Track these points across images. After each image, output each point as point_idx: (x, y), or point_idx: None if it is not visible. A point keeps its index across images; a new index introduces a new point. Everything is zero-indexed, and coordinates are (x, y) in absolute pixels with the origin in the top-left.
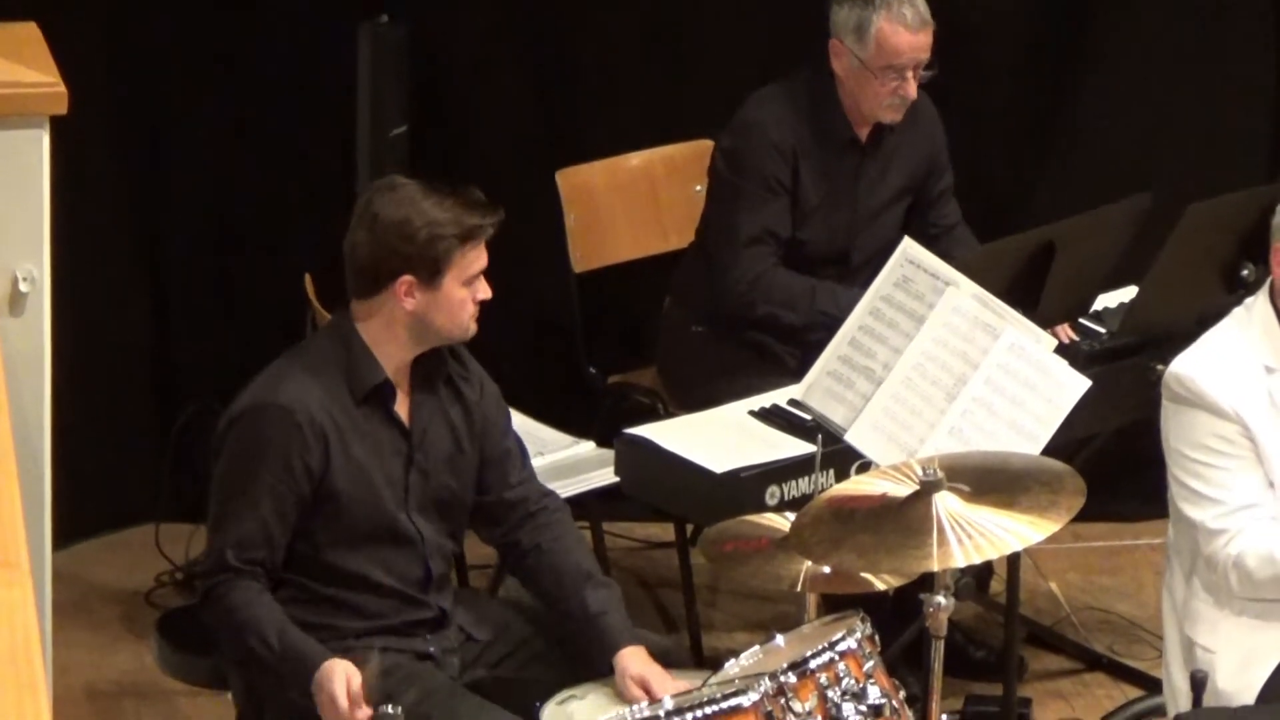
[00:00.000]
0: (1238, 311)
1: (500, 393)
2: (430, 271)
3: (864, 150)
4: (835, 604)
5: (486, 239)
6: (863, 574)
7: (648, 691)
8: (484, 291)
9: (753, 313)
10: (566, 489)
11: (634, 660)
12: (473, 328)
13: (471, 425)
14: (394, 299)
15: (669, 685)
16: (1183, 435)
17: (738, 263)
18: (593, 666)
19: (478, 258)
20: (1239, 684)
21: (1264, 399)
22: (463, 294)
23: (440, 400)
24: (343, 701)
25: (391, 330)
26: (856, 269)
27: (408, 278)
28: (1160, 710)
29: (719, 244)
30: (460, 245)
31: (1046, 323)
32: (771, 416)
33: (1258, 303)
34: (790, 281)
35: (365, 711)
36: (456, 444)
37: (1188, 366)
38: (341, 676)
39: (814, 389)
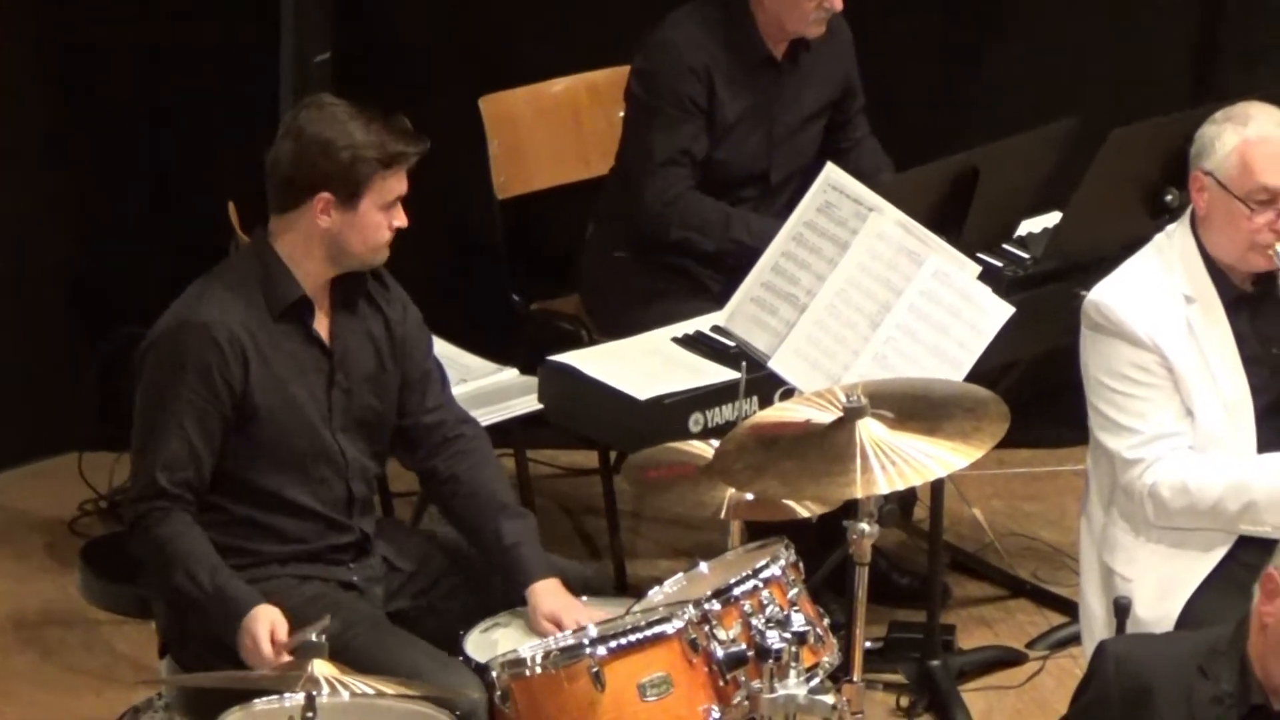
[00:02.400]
0: (1158, 239)
1: (422, 317)
2: (348, 192)
3: (780, 68)
4: (759, 531)
5: (408, 168)
6: (786, 501)
7: (558, 625)
8: (400, 219)
9: (667, 235)
10: (490, 416)
11: (545, 596)
12: (385, 253)
13: (393, 343)
14: (310, 215)
15: (582, 618)
16: (1101, 364)
17: (653, 184)
18: (509, 597)
19: (397, 184)
20: (1157, 613)
21: (1182, 328)
22: (378, 218)
23: (362, 318)
24: (266, 648)
25: (307, 247)
26: (776, 188)
27: (325, 195)
28: (1081, 636)
29: (635, 166)
30: (381, 170)
31: (970, 248)
32: (695, 343)
33: (1178, 231)
34: (705, 206)
35: (287, 656)
36: (379, 362)
37: (1106, 295)
38: (267, 623)
39: (738, 315)
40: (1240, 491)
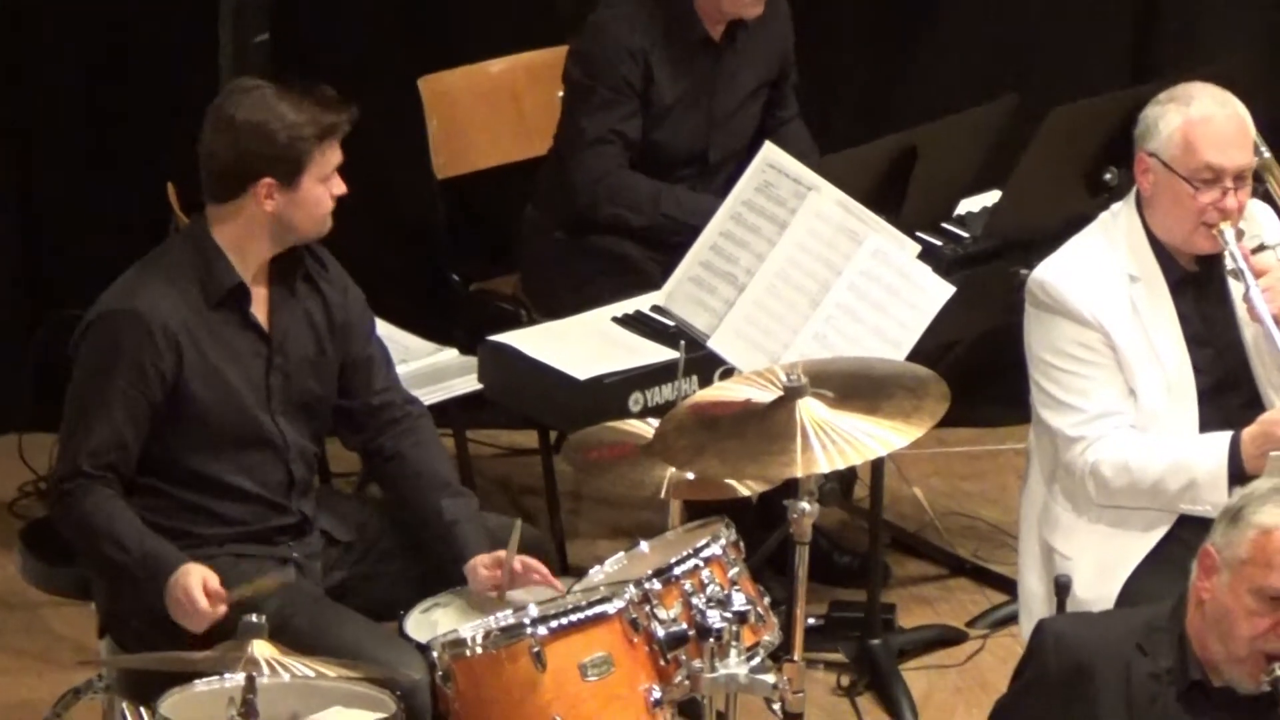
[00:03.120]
0: (1103, 218)
1: (365, 298)
2: (289, 172)
3: (718, 49)
4: (699, 510)
5: (342, 136)
6: (727, 480)
7: (498, 586)
8: (339, 187)
9: (597, 213)
10: (430, 396)
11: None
12: (329, 223)
13: (332, 325)
14: (254, 201)
15: (518, 564)
16: (1044, 342)
17: (583, 162)
18: (447, 572)
19: (334, 155)
20: (1095, 593)
21: (1127, 307)
22: (320, 191)
23: (300, 300)
24: (200, 599)
25: (251, 232)
26: (715, 168)
27: (268, 180)
28: None
29: (568, 145)
30: (318, 144)
31: (910, 227)
32: (634, 323)
33: (1123, 211)
34: (636, 183)
35: (223, 607)
36: (318, 345)
37: (1051, 273)
38: (198, 576)
39: (677, 295)
40: (1181, 471)
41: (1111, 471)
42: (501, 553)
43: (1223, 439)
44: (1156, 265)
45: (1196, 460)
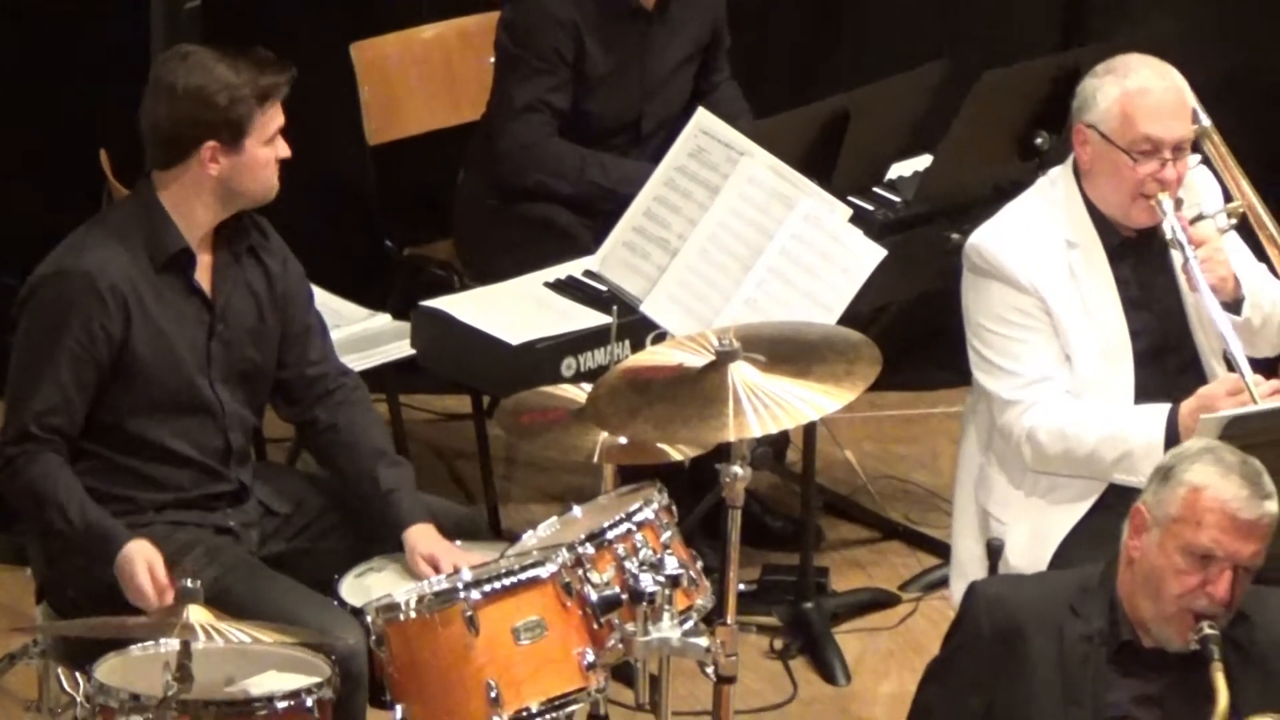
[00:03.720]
0: (1041, 184)
1: (304, 270)
2: (232, 135)
3: (650, 19)
4: (632, 475)
5: (282, 97)
6: (659, 444)
7: (436, 568)
8: (283, 150)
9: (523, 180)
10: (363, 362)
11: (422, 538)
12: (275, 186)
13: (274, 296)
14: (198, 166)
15: (458, 559)
16: (981, 306)
17: (511, 130)
18: (385, 542)
19: (275, 116)
20: (1028, 559)
21: (1064, 273)
22: (265, 153)
23: (243, 270)
24: (149, 590)
25: (198, 196)
26: (647, 137)
27: (211, 144)
28: None
29: (496, 113)
30: (260, 105)
31: (841, 191)
32: (567, 288)
33: (1061, 177)
34: (562, 151)
35: (170, 595)
36: (259, 315)
37: (988, 238)
38: (144, 563)
39: (609, 260)
40: (1118, 441)
41: (1048, 437)
42: (439, 548)
43: (1160, 411)
44: (1094, 232)
45: (1133, 431)
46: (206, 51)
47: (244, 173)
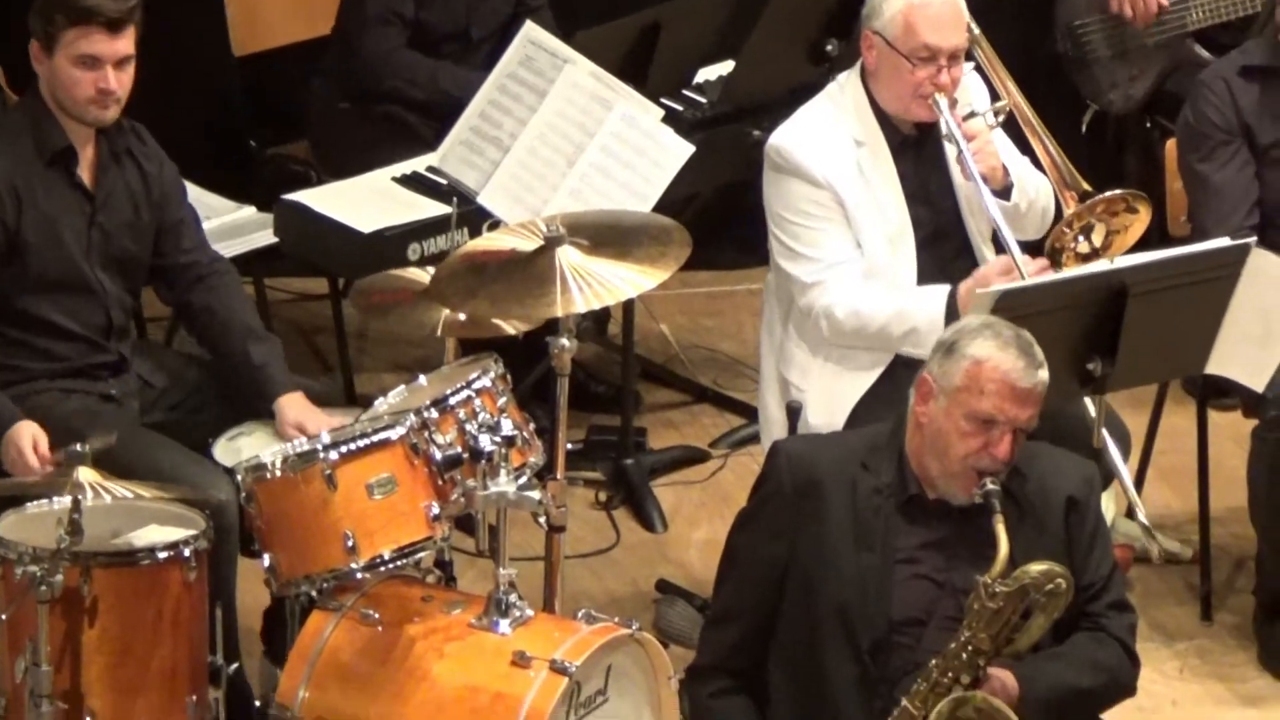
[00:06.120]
0: (830, 88)
1: (178, 170)
2: (45, 44)
3: None
4: (471, 347)
5: (107, 25)
6: (495, 320)
7: (304, 432)
8: (107, 82)
9: (380, 85)
10: (232, 249)
11: (291, 406)
12: (94, 112)
13: (150, 195)
14: (36, 61)
15: (324, 424)
16: (780, 200)
17: (369, 39)
18: (257, 415)
19: (91, 43)
20: (824, 420)
21: (853, 169)
22: (75, 74)
23: (123, 172)
24: (31, 459)
25: (53, 96)
26: (476, 44)
27: (35, 44)
28: (758, 436)
29: (351, 24)
30: (69, 25)
31: (654, 94)
32: (412, 182)
33: (849, 81)
34: (415, 61)
35: (50, 467)
36: (135, 211)
37: (785, 138)
38: (29, 437)
39: (449, 156)
40: (905, 319)
41: (843, 315)
42: (307, 415)
43: (941, 290)
44: (880, 130)
45: (918, 310)
46: None
47: (55, 83)
